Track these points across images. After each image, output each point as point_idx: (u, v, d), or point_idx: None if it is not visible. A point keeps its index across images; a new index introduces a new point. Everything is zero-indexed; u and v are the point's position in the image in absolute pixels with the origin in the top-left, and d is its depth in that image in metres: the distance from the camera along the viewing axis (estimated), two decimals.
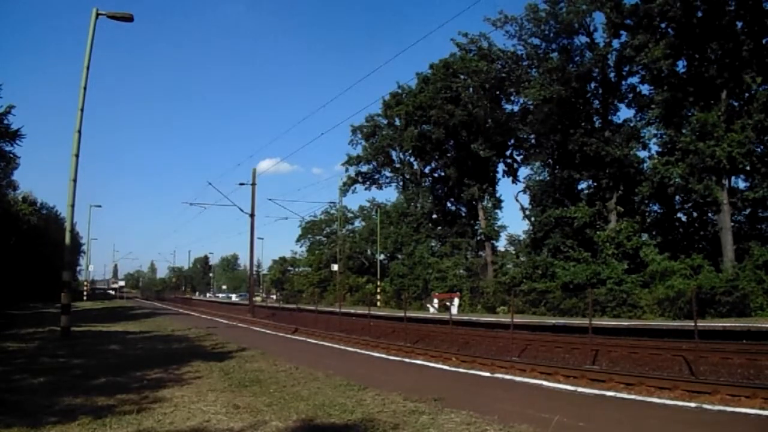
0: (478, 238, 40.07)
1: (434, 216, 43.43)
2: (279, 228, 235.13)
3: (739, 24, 23.19)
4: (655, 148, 28.06)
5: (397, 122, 44.23)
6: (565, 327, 16.96)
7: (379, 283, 41.21)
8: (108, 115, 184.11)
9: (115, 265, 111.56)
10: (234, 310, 40.12)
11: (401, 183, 47.83)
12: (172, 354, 11.09)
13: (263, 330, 20.60)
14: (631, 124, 29.14)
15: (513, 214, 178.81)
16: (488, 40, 33.01)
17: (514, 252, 37.56)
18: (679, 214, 29.04)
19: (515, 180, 38.87)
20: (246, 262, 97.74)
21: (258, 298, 57.67)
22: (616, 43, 28.10)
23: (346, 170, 48.16)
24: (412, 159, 45.83)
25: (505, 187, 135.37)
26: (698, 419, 5.62)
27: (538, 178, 33.97)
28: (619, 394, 7.30)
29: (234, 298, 78.88)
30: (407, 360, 11.44)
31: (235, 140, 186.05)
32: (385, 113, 45.10)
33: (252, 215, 33.22)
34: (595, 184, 30.50)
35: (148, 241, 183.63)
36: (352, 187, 48.79)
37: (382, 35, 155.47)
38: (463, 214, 42.62)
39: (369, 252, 48.05)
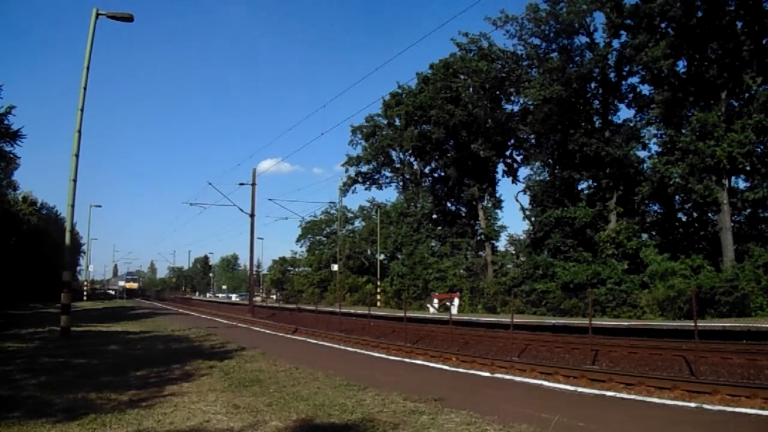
0: (478, 238, 40.08)
1: (434, 216, 43.44)
2: (279, 228, 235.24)
3: (739, 24, 23.21)
4: (655, 148, 28.16)
5: (397, 122, 44.25)
6: (565, 327, 16.95)
7: (379, 283, 41.20)
8: (109, 115, 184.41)
9: (115, 265, 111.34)
10: (234, 310, 40.12)
11: (401, 183, 47.86)
12: (172, 354, 11.08)
13: (263, 330, 20.59)
14: (631, 124, 29.22)
15: (513, 214, 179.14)
16: (488, 40, 33.11)
17: (514, 252, 37.60)
18: (679, 214, 29.04)
19: (515, 180, 38.97)
20: (246, 262, 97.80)
21: (258, 298, 57.69)
22: (616, 43, 28.19)
23: (346, 170, 48.27)
24: (412, 159, 45.86)
25: (505, 187, 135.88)
26: (698, 419, 5.61)
27: (538, 178, 34.03)
28: (619, 394, 7.30)
29: (234, 298, 78.89)
30: (407, 360, 11.43)
31: (235, 140, 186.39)
32: (385, 113, 45.11)
33: (252, 215, 33.24)
34: (595, 184, 30.52)
35: (148, 241, 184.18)
36: (352, 187, 48.88)
37: (382, 35, 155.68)
38: (463, 214, 42.64)
39: (369, 252, 48.06)
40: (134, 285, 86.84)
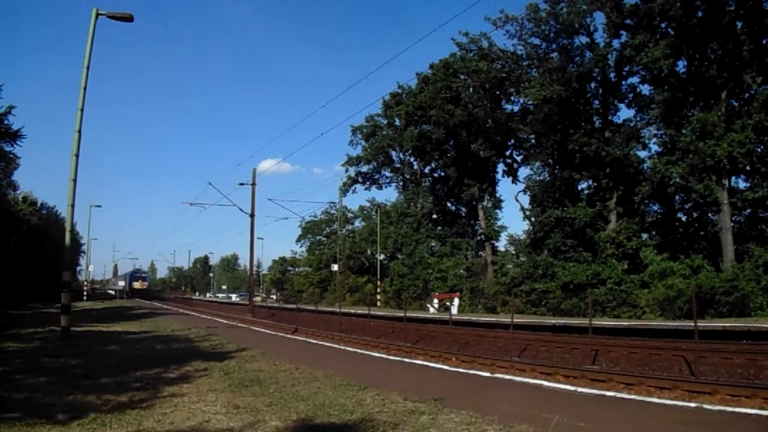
0: (478, 238, 40.10)
1: (434, 216, 43.46)
2: (279, 228, 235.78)
3: (739, 24, 23.20)
4: (655, 148, 28.18)
5: (397, 122, 44.27)
6: (565, 327, 16.95)
7: (379, 283, 41.21)
8: (109, 115, 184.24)
9: (115, 265, 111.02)
10: (234, 310, 40.10)
11: (401, 183, 47.89)
12: (172, 354, 11.09)
13: (263, 330, 20.59)
14: (631, 124, 29.26)
15: (513, 214, 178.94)
16: (488, 40, 33.10)
17: (514, 252, 37.62)
18: (679, 214, 29.07)
19: (515, 180, 38.95)
20: (246, 262, 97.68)
21: (258, 298, 57.67)
22: (616, 43, 28.24)
23: (346, 170, 48.29)
24: (412, 159, 45.88)
25: (505, 187, 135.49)
26: (698, 419, 5.61)
27: (538, 178, 34.06)
28: (619, 394, 7.29)
29: (234, 298, 78.86)
30: (407, 360, 11.42)
31: (235, 140, 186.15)
32: (385, 113, 45.12)
33: (252, 215, 33.22)
34: (595, 184, 30.53)
35: (148, 241, 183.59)
36: (352, 187, 48.91)
37: (382, 35, 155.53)
38: (463, 214, 42.65)
39: (369, 252, 48.06)
40: (143, 284, 73.07)
